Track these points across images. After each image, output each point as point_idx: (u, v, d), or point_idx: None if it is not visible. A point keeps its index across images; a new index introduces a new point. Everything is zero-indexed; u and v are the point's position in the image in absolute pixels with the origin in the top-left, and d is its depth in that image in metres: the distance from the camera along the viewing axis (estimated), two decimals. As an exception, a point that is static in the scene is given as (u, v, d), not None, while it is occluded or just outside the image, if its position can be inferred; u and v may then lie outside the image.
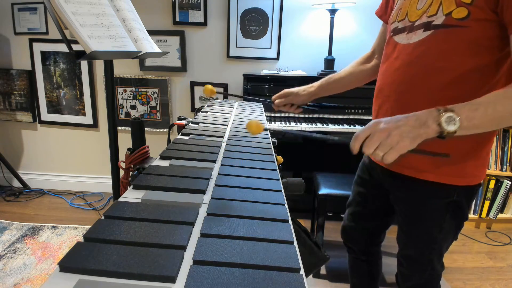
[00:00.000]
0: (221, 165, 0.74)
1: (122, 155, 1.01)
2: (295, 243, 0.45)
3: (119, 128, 2.29)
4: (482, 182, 0.92)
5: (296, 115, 2.19)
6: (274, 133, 1.15)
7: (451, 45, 0.78)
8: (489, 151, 0.88)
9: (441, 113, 0.68)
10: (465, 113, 0.68)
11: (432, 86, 0.81)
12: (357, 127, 2.07)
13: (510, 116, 0.69)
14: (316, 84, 1.22)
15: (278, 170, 0.74)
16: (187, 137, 0.93)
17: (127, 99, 2.58)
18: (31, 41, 2.49)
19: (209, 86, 1.21)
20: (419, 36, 0.84)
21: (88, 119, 2.64)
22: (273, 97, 1.29)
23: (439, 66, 0.80)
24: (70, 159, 2.75)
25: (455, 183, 0.86)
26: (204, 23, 2.42)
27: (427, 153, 0.76)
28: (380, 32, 1.15)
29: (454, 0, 0.77)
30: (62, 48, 2.50)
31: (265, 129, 0.84)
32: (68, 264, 0.37)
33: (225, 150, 0.84)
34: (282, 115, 2.19)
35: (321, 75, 2.31)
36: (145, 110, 2.60)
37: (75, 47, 0.79)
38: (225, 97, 2.46)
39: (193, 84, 2.53)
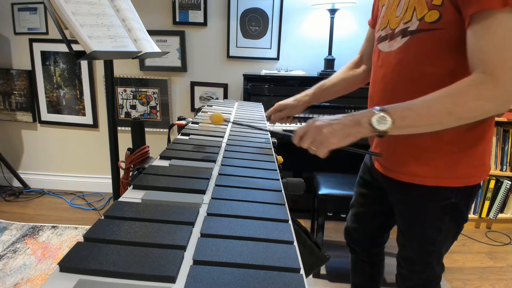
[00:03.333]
0: (221, 165, 0.74)
1: (122, 155, 1.01)
2: (295, 243, 0.45)
3: (119, 128, 2.29)
4: (481, 183, 0.91)
5: (296, 115, 2.19)
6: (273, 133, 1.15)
7: (428, 49, 0.79)
8: (486, 151, 0.87)
9: (374, 113, 0.72)
10: (399, 113, 0.71)
11: (415, 91, 0.81)
12: (357, 127, 2.07)
13: (446, 115, 0.69)
14: (309, 92, 1.22)
15: (278, 170, 0.74)
16: (187, 137, 0.93)
17: (127, 99, 2.58)
18: (31, 41, 2.49)
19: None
20: (398, 43, 0.85)
21: (88, 119, 2.64)
22: (268, 112, 1.26)
23: (420, 72, 0.81)
24: (70, 159, 2.75)
25: (452, 185, 0.86)
26: (204, 23, 2.41)
27: (359, 151, 0.83)
28: (366, 36, 1.16)
29: (426, 4, 0.77)
30: (62, 48, 2.50)
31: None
32: (68, 264, 0.37)
33: (225, 150, 0.84)
34: (282, 115, 2.19)
35: (321, 75, 2.31)
36: (145, 110, 2.60)
37: (75, 47, 0.79)
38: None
39: (193, 84, 2.53)
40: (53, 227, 2.19)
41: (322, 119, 0.78)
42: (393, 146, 0.92)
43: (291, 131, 1.02)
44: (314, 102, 1.23)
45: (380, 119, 0.72)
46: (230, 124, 1.13)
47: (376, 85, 0.95)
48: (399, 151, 0.90)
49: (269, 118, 1.28)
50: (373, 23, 1.09)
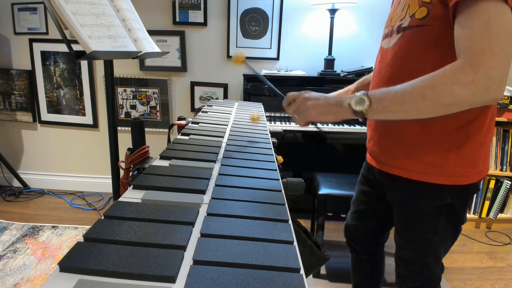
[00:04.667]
0: (221, 165, 0.74)
1: (122, 155, 1.01)
2: (295, 243, 0.45)
3: (119, 128, 2.29)
4: (478, 185, 0.90)
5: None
6: (274, 133, 1.15)
7: (417, 45, 0.80)
8: (479, 153, 0.86)
9: (356, 95, 0.75)
10: (377, 96, 0.74)
11: None
12: (357, 127, 2.07)
13: (420, 99, 0.69)
14: (351, 87, 1.20)
15: (278, 170, 0.74)
16: (187, 137, 0.93)
17: (127, 99, 2.58)
18: (31, 41, 2.49)
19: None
20: (394, 40, 0.87)
21: (88, 119, 2.64)
22: None
23: (409, 67, 0.82)
24: (70, 159, 2.75)
25: (441, 182, 0.86)
26: (204, 23, 2.41)
27: (317, 126, 0.99)
28: None
29: (417, 1, 0.79)
30: (62, 48, 2.50)
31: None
32: (68, 264, 0.37)
33: (225, 150, 0.84)
34: (282, 115, 2.19)
35: (321, 75, 2.31)
36: (145, 110, 2.60)
37: (75, 47, 0.79)
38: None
39: (193, 84, 2.53)
40: (53, 227, 2.19)
41: (314, 93, 0.83)
42: (386, 140, 0.94)
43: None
44: None
45: (358, 100, 0.74)
46: (230, 124, 1.13)
47: (374, 79, 0.97)
48: (391, 144, 0.92)
49: None
50: None
